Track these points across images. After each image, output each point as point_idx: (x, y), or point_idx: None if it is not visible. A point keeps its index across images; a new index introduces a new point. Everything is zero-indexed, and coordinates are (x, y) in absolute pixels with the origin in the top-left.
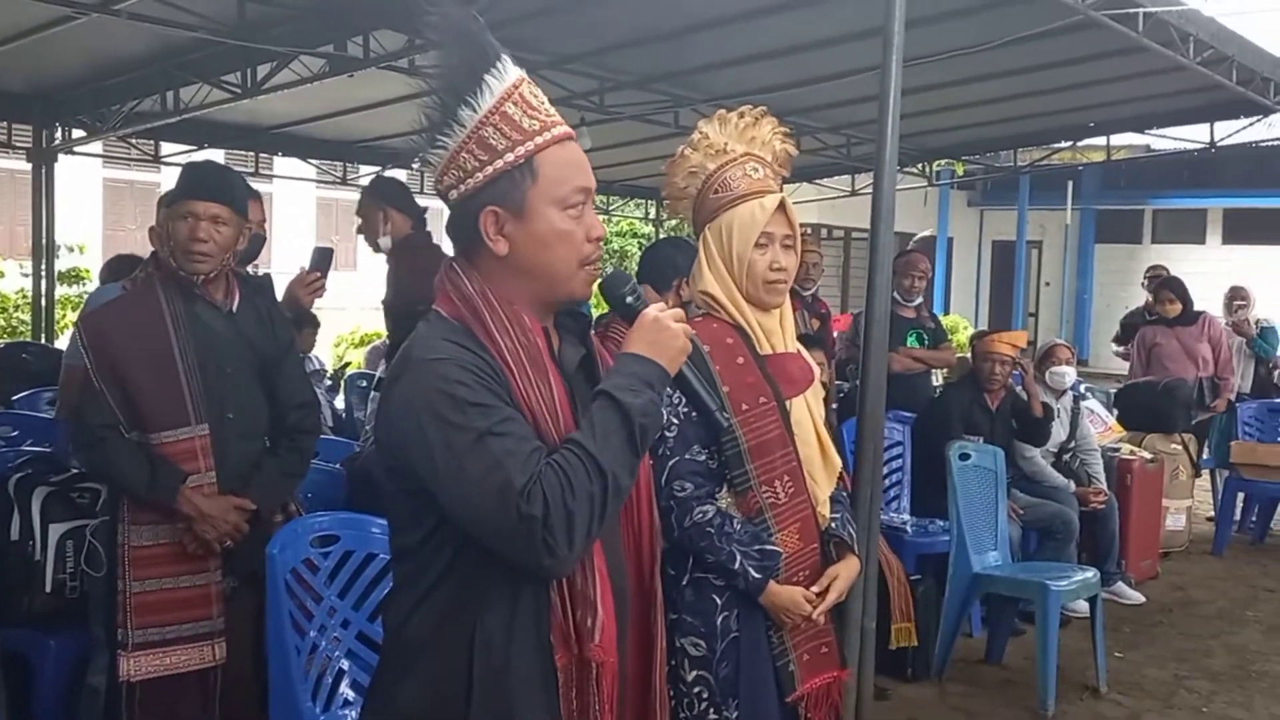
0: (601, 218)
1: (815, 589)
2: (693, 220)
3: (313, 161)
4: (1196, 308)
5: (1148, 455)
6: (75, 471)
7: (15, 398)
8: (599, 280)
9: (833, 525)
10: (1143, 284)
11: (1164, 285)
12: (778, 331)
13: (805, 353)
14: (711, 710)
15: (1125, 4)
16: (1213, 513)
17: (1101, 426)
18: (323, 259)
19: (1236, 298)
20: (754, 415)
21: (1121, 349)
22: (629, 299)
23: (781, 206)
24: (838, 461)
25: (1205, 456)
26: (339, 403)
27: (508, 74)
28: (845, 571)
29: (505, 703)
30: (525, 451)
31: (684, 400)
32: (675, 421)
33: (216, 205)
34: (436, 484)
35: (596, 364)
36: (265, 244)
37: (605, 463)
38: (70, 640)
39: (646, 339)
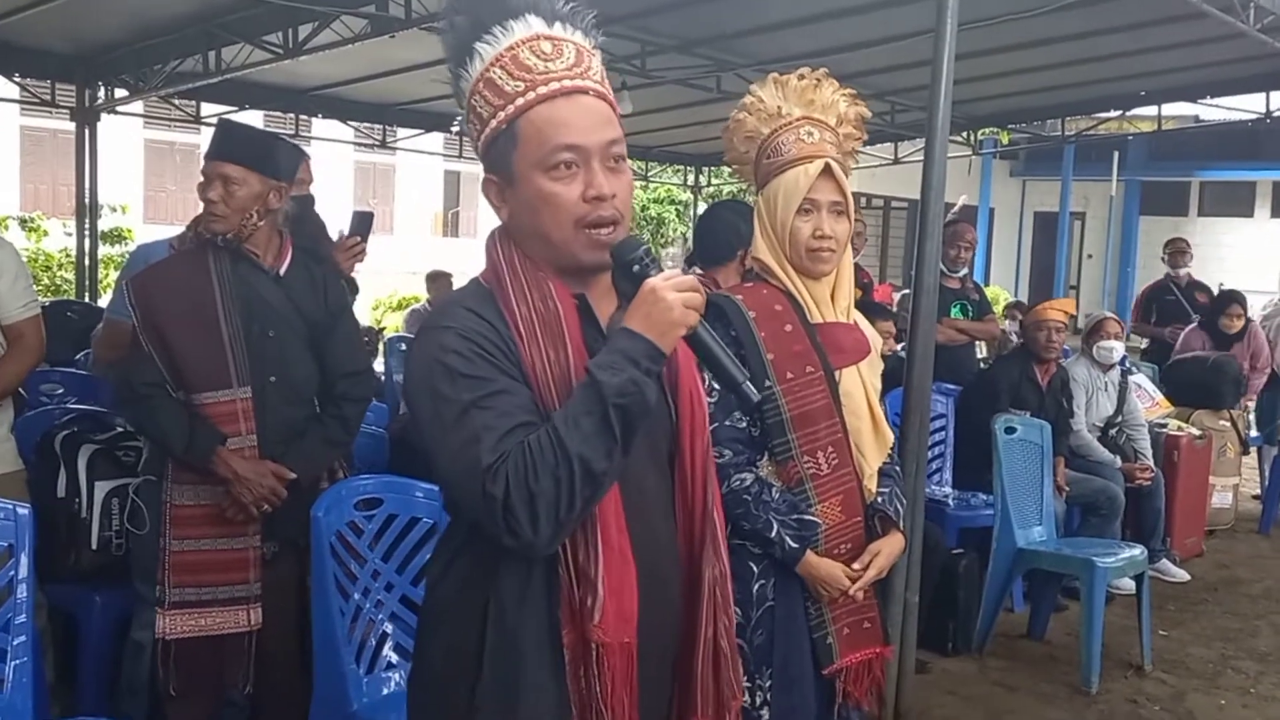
0: (638, 184)
1: (856, 565)
2: (755, 186)
3: (352, 124)
4: (1241, 283)
5: (1196, 431)
6: (121, 429)
7: (77, 357)
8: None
9: (879, 500)
10: (1162, 258)
11: (1232, 300)
12: (828, 300)
13: (865, 323)
14: (745, 678)
15: None
16: (1259, 490)
17: (1149, 402)
18: (362, 223)
19: None
20: (799, 384)
21: (1144, 331)
22: (635, 267)
23: (829, 171)
24: (889, 435)
25: (1254, 434)
26: (378, 366)
27: (506, 37)
28: (888, 548)
29: (513, 674)
30: (504, 428)
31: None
32: (716, 388)
33: (229, 165)
34: (429, 452)
35: None
36: (314, 204)
37: (572, 445)
38: (115, 596)
39: (642, 311)
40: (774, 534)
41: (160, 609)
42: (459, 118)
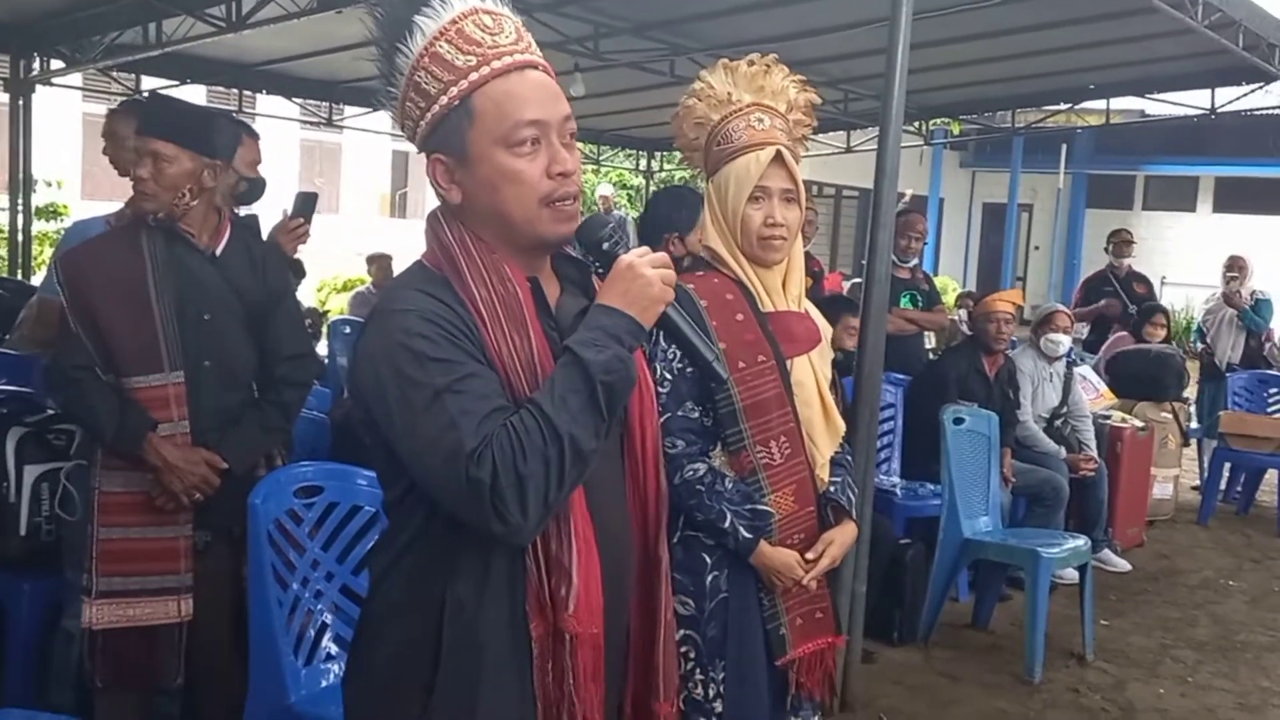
0: (590, 168)
1: (810, 555)
2: (705, 173)
3: (297, 101)
4: (1183, 277)
5: (1138, 423)
6: (51, 412)
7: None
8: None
9: (831, 489)
10: (1106, 249)
11: (1156, 310)
12: (779, 288)
13: (815, 312)
14: (698, 670)
15: None
16: (1197, 482)
17: (1093, 393)
18: (306, 204)
19: (1230, 268)
20: (751, 374)
21: (1081, 314)
22: (605, 244)
23: (780, 159)
24: (841, 424)
25: (1193, 425)
26: (321, 349)
27: (446, 10)
28: (841, 537)
29: (473, 672)
30: (482, 412)
31: (678, 355)
32: (669, 377)
33: (159, 142)
34: (395, 441)
35: None
36: (264, 186)
37: (561, 425)
38: (44, 584)
39: (619, 289)
40: (727, 524)
41: (87, 598)
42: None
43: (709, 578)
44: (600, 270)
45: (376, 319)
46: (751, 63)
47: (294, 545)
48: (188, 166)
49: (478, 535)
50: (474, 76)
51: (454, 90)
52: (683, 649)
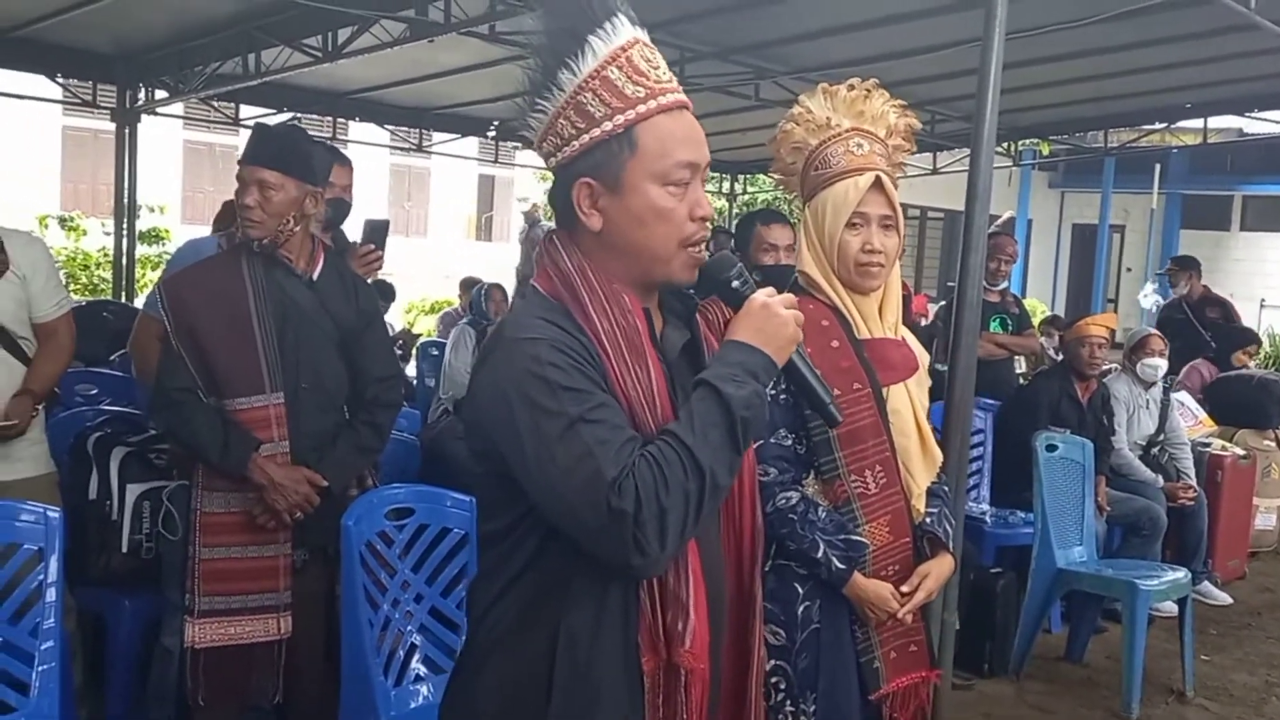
0: None
1: (905, 587)
2: (801, 198)
3: (388, 128)
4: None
5: (1240, 451)
6: (154, 432)
7: (111, 357)
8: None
9: (927, 520)
10: (1169, 270)
11: (1250, 340)
12: (876, 315)
13: (911, 339)
14: (789, 702)
15: None
16: None
17: (1192, 420)
18: (375, 232)
19: None
20: (846, 401)
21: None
22: (735, 283)
23: (879, 185)
24: (938, 454)
25: None
26: (410, 370)
27: (617, 35)
28: (937, 569)
29: (587, 706)
30: (619, 441)
31: (779, 384)
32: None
33: (264, 170)
34: (524, 471)
35: (701, 349)
36: (349, 210)
37: (703, 458)
38: (145, 601)
39: (753, 326)
40: (820, 554)
41: (189, 617)
42: (496, 121)
43: (801, 608)
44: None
45: (503, 348)
46: (852, 87)
47: (385, 566)
48: (292, 194)
49: (596, 566)
50: (642, 109)
51: (620, 118)
52: (773, 679)
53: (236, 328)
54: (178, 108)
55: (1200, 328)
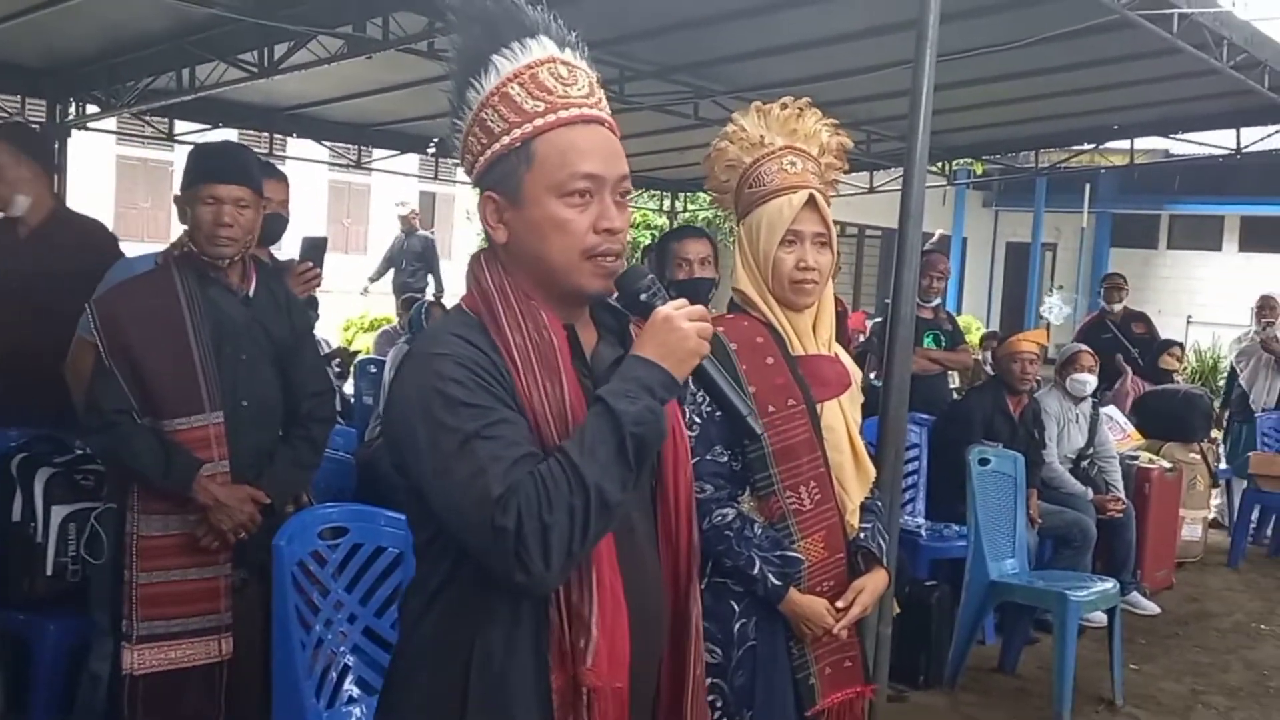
0: None
1: (840, 603)
2: (735, 215)
3: (326, 144)
4: (1209, 316)
5: (1166, 464)
6: (80, 453)
7: None
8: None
9: (861, 536)
10: (1098, 292)
11: (1173, 344)
12: (810, 332)
13: (844, 355)
14: (724, 719)
15: (1161, 5)
16: (1216, 518)
17: (1120, 434)
18: (313, 249)
19: (1266, 309)
20: (781, 418)
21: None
22: (643, 295)
23: (813, 202)
24: (871, 470)
25: (1223, 466)
26: (348, 388)
27: (526, 54)
28: (872, 584)
29: (502, 718)
30: (511, 458)
31: (707, 399)
32: (698, 421)
33: (239, 188)
34: (425, 485)
35: None
36: (287, 225)
37: (589, 475)
38: (70, 625)
39: (656, 340)
40: (756, 571)
41: (127, 643)
42: (435, 138)
43: (736, 625)
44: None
45: (411, 362)
46: (785, 105)
47: (318, 587)
48: (256, 210)
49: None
50: (539, 122)
51: (517, 132)
52: (710, 697)
53: (173, 346)
54: (110, 123)
55: (1128, 344)
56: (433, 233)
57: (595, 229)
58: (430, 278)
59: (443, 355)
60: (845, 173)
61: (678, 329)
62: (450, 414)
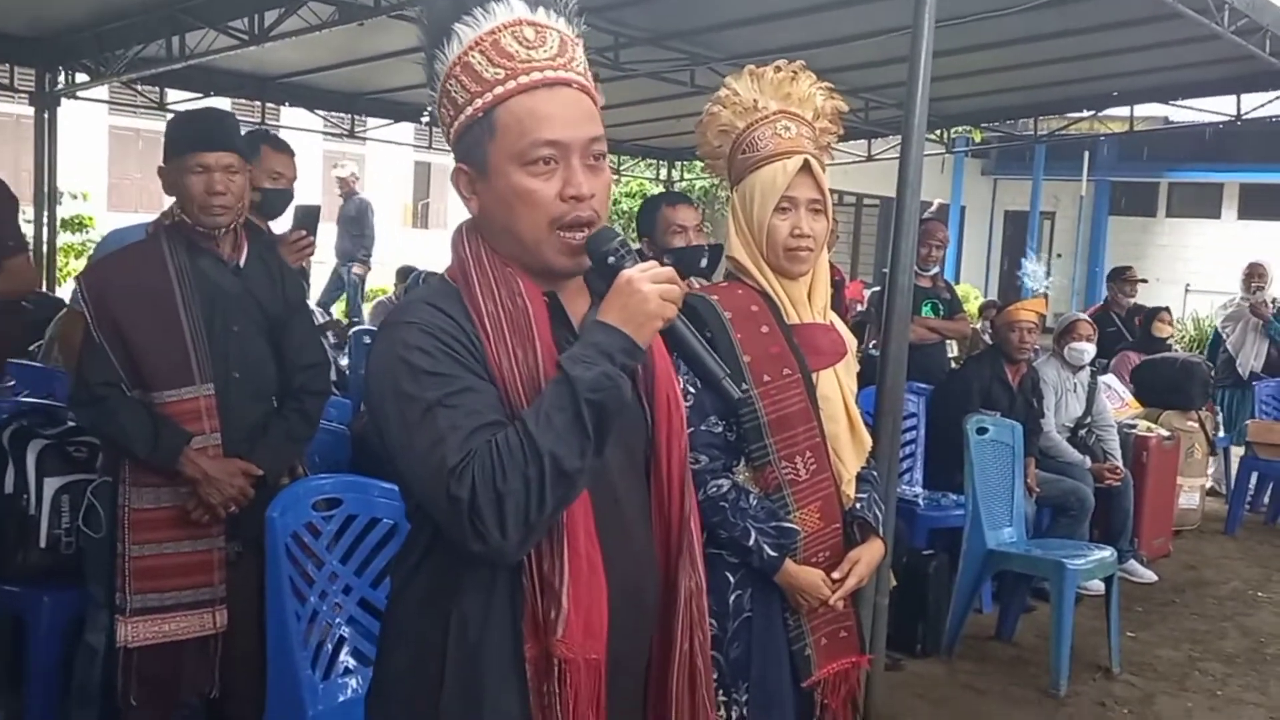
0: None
1: (836, 574)
2: (729, 182)
3: (320, 113)
4: (1207, 284)
5: (1164, 432)
6: (71, 424)
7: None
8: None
9: (858, 506)
10: (1108, 282)
11: (1162, 309)
12: (805, 300)
13: (839, 324)
14: (720, 692)
15: None
16: (1213, 487)
17: (1118, 403)
18: (307, 217)
19: (1255, 276)
20: (776, 387)
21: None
22: (610, 259)
23: (808, 168)
24: (867, 439)
25: (1221, 435)
26: (344, 360)
27: (487, 19)
28: (868, 555)
29: (476, 687)
30: (469, 428)
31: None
32: (691, 391)
33: (227, 154)
34: (392, 455)
35: None
36: (291, 200)
37: (544, 443)
38: (66, 597)
39: (618, 304)
40: (752, 542)
41: (121, 616)
42: (429, 108)
43: (732, 597)
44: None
45: (382, 331)
46: (778, 69)
47: (312, 558)
48: (244, 173)
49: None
50: (499, 90)
51: (478, 102)
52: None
53: (162, 317)
54: (102, 92)
55: (1131, 338)
56: (367, 199)
57: (562, 196)
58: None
59: (409, 324)
60: (840, 138)
61: (638, 291)
62: (413, 383)
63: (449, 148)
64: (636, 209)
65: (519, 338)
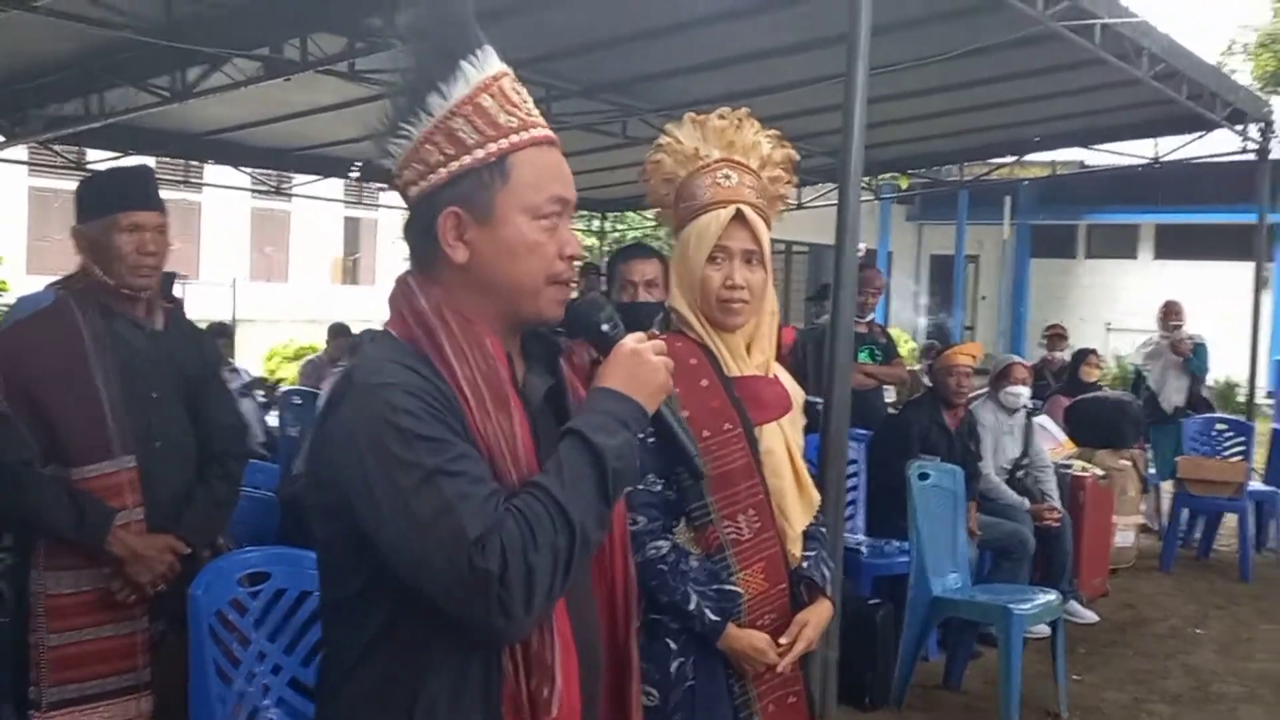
0: None
1: (784, 638)
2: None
3: (246, 170)
4: (1127, 323)
5: (1099, 471)
6: None
7: None
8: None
9: (804, 565)
10: (1040, 342)
11: (1090, 352)
12: (744, 353)
13: (786, 377)
14: None
15: (1082, 16)
16: (1151, 525)
17: (1053, 443)
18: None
19: (1171, 314)
20: (716, 443)
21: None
22: (604, 326)
23: (742, 218)
24: (815, 495)
25: (1151, 471)
26: (271, 420)
27: (488, 64)
28: (815, 617)
29: None
30: (482, 495)
31: (651, 430)
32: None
33: (158, 215)
34: (377, 527)
35: (566, 396)
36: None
37: (574, 512)
38: None
39: (624, 372)
40: (693, 606)
41: (36, 712)
42: (358, 162)
43: (674, 664)
44: (590, 354)
45: (354, 394)
46: (722, 116)
47: (238, 637)
48: (167, 235)
49: (457, 632)
50: (515, 139)
51: (492, 147)
52: None
53: (78, 387)
54: (20, 153)
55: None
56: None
57: (561, 255)
58: None
59: (389, 385)
60: (795, 186)
61: (648, 362)
62: (406, 449)
63: (402, 189)
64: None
65: (497, 402)
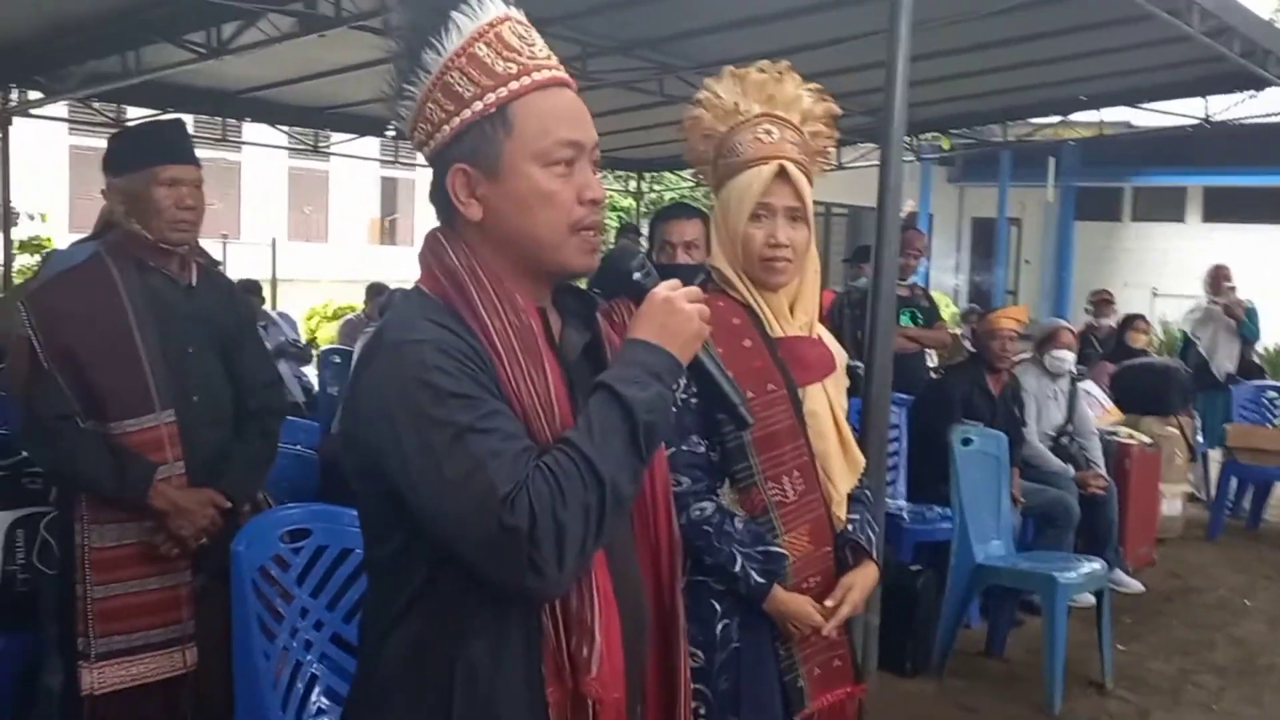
0: None
1: (829, 601)
2: (714, 189)
3: (282, 128)
4: (1174, 288)
5: (1145, 439)
6: (26, 454)
7: None
8: (603, 254)
9: (849, 528)
10: (1086, 309)
11: (1138, 317)
12: (787, 313)
13: (828, 337)
14: None
15: None
16: (1198, 494)
17: (1098, 409)
18: None
19: (1224, 278)
20: (761, 403)
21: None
22: (636, 274)
23: (785, 174)
24: (860, 457)
25: (1199, 439)
26: (313, 377)
27: (485, 10)
28: (861, 580)
29: None
30: (513, 452)
31: (690, 387)
32: (673, 409)
33: (196, 169)
34: (409, 486)
35: (604, 351)
36: None
37: (604, 468)
38: (20, 637)
39: (655, 322)
40: (738, 568)
41: (85, 662)
42: (392, 122)
43: (719, 626)
44: (617, 303)
45: (385, 352)
46: (762, 70)
47: (280, 593)
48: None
49: (495, 591)
50: (514, 85)
51: (491, 97)
52: (693, 704)
53: (117, 343)
54: (61, 110)
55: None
56: None
57: (580, 200)
58: None
59: (421, 342)
60: (837, 142)
61: (680, 310)
62: (438, 406)
63: (418, 149)
64: (610, 224)
65: (530, 358)
